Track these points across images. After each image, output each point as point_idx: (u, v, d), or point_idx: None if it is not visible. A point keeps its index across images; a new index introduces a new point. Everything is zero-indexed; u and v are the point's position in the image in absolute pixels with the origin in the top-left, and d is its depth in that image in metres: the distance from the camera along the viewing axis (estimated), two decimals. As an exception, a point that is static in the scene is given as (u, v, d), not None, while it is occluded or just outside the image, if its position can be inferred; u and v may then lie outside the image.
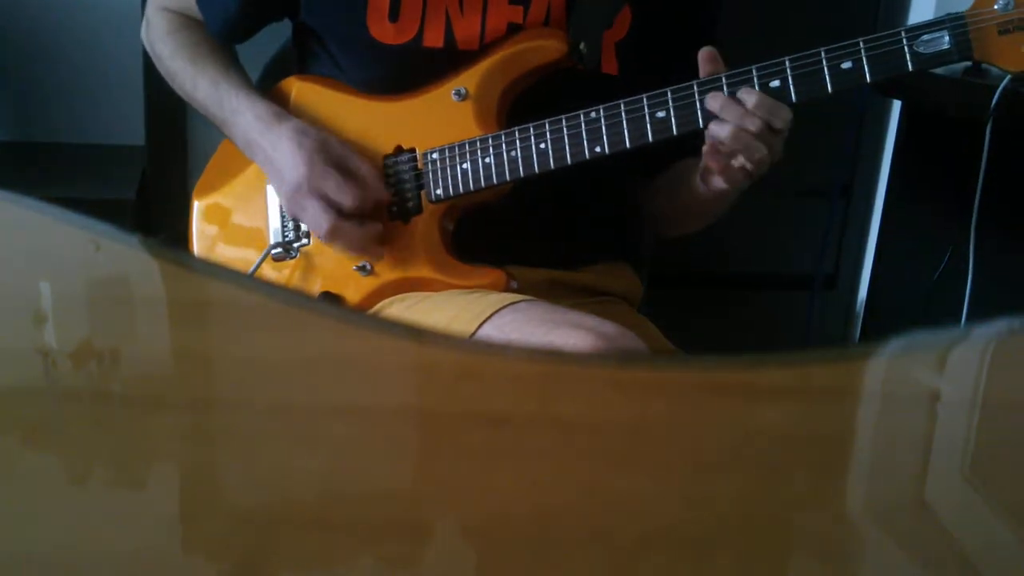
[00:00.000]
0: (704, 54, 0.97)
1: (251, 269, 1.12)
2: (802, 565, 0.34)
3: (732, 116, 0.94)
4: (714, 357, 0.41)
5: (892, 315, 1.85)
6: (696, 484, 0.37)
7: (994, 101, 1.36)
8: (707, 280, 2.09)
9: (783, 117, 0.94)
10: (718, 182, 1.00)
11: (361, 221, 1.05)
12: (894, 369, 0.46)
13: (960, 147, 1.45)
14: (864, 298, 2.06)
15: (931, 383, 0.45)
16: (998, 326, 0.49)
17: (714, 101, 0.95)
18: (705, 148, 0.98)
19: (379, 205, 1.06)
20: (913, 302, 1.70)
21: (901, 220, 1.81)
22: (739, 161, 0.96)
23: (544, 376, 0.43)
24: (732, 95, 0.95)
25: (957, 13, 0.91)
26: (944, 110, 1.52)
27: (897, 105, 1.95)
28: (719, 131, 0.95)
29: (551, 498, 0.35)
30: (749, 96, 0.94)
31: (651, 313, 1.21)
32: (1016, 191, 1.57)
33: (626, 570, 0.32)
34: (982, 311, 1.54)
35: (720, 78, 0.96)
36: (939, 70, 1.53)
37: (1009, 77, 1.37)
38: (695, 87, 0.97)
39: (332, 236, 1.04)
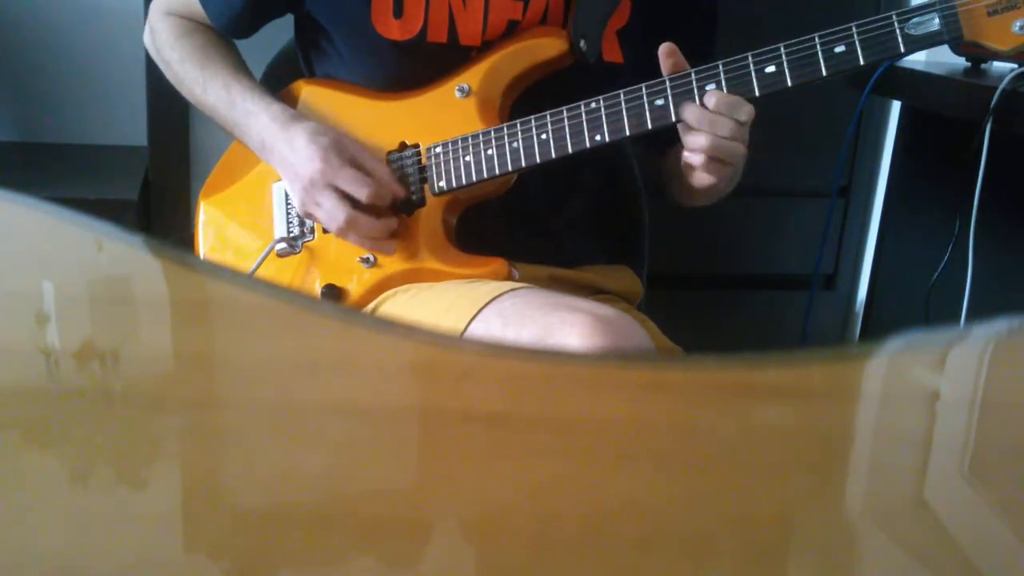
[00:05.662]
0: (664, 49, 0.98)
1: (255, 264, 1.13)
2: (802, 565, 0.34)
3: (704, 124, 0.97)
4: (714, 357, 0.41)
5: (892, 315, 1.85)
6: (696, 484, 0.37)
7: (994, 101, 1.36)
8: (706, 280, 2.09)
9: (747, 111, 0.97)
10: (702, 178, 1.02)
11: (378, 214, 1.05)
12: (894, 369, 0.46)
13: (960, 147, 1.45)
14: (863, 298, 2.06)
15: (931, 383, 0.46)
16: (998, 326, 0.49)
17: (690, 114, 0.97)
18: (684, 154, 1.00)
19: (394, 201, 1.08)
20: (913, 302, 1.70)
21: (901, 220, 1.81)
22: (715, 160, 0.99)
23: (544, 376, 0.43)
24: (703, 104, 0.97)
25: None
26: (944, 110, 1.52)
27: (897, 105, 1.95)
28: (695, 140, 0.98)
29: (551, 498, 0.35)
30: (711, 99, 0.96)
31: (651, 313, 1.21)
32: (1016, 191, 1.57)
33: (626, 570, 0.32)
34: (982, 311, 1.54)
35: (717, 66, 0.97)
36: (939, 70, 1.54)
37: (1009, 77, 1.37)
38: (693, 75, 0.98)
39: (348, 227, 1.05)
